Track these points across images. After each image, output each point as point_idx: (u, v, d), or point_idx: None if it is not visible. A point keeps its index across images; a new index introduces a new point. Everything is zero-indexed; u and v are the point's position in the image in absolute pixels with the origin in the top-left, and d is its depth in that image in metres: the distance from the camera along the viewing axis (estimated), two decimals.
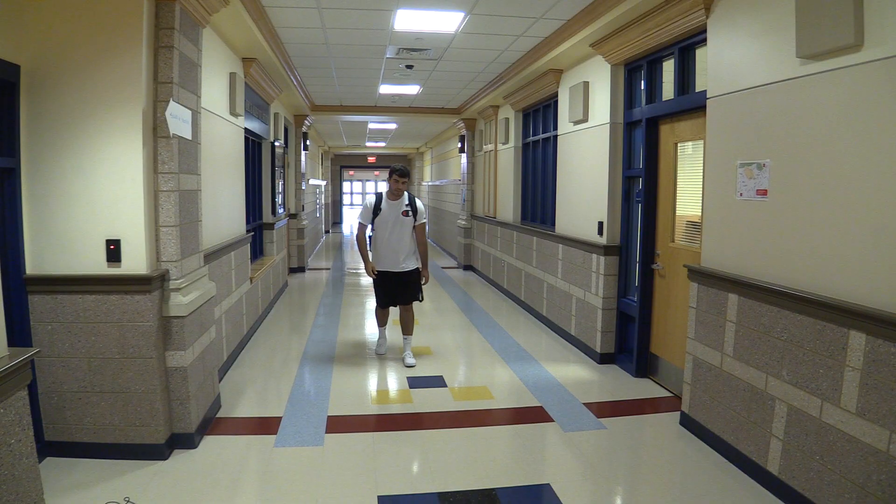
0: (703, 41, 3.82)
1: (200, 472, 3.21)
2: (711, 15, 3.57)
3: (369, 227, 5.19)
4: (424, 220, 5.12)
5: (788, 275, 2.94)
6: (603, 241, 5.24)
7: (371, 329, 6.87)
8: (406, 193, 5.08)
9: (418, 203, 5.13)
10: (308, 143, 11.31)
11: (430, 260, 6.28)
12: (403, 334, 5.36)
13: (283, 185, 8.86)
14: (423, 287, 5.30)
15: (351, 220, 26.66)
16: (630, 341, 5.11)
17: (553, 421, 3.98)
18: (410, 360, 5.20)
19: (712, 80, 3.58)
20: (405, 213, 5.07)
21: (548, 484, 3.13)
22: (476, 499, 3.00)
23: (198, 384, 3.58)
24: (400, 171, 5.04)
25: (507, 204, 8.59)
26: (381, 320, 5.55)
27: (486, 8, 4.72)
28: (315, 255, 13.42)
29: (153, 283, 3.22)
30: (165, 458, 3.31)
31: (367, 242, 5.26)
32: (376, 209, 5.08)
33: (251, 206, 6.71)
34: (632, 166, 5.02)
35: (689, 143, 4.30)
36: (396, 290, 5.20)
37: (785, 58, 2.91)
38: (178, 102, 3.37)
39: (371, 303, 8.29)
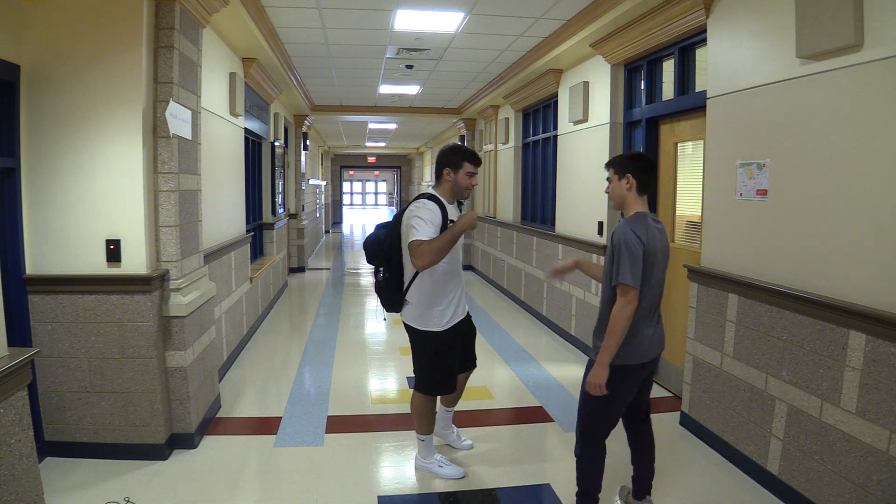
0: (703, 41, 3.82)
1: (200, 472, 3.21)
2: (711, 15, 3.57)
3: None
4: None
5: (788, 275, 2.94)
6: (603, 240, 5.23)
7: (373, 328, 6.86)
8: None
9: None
10: (308, 143, 11.30)
11: None
12: (446, 405, 3.44)
13: (283, 185, 8.86)
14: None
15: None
16: None
17: (553, 421, 3.98)
18: (467, 441, 3.55)
19: (712, 80, 3.58)
20: None
21: (548, 484, 3.13)
22: (476, 499, 3.00)
23: (198, 384, 3.58)
24: (475, 156, 3.04)
25: (507, 204, 8.59)
26: (432, 419, 3.20)
27: (486, 8, 4.72)
28: (315, 255, 13.41)
29: (153, 283, 3.22)
30: (165, 458, 3.31)
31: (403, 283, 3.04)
32: (444, 225, 2.90)
33: (251, 206, 6.71)
34: None
35: (689, 143, 4.30)
36: (466, 347, 3.25)
37: (785, 58, 2.91)
38: (178, 102, 3.37)
39: (374, 302, 8.30)
